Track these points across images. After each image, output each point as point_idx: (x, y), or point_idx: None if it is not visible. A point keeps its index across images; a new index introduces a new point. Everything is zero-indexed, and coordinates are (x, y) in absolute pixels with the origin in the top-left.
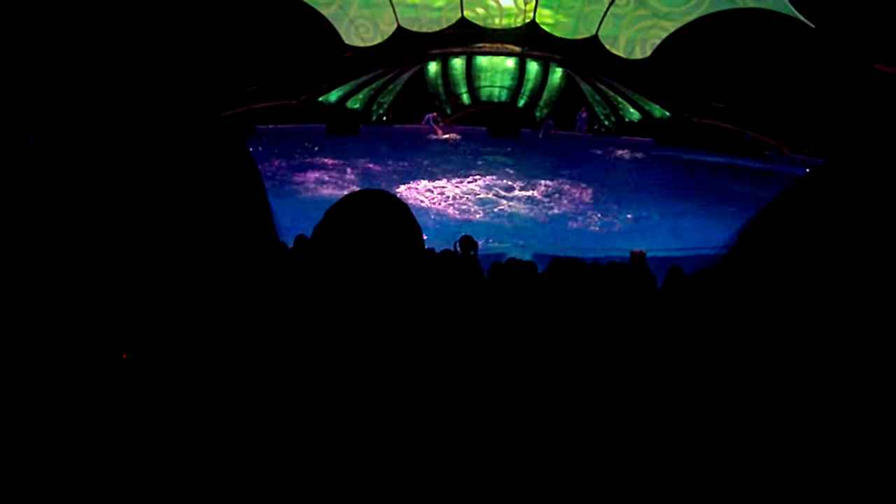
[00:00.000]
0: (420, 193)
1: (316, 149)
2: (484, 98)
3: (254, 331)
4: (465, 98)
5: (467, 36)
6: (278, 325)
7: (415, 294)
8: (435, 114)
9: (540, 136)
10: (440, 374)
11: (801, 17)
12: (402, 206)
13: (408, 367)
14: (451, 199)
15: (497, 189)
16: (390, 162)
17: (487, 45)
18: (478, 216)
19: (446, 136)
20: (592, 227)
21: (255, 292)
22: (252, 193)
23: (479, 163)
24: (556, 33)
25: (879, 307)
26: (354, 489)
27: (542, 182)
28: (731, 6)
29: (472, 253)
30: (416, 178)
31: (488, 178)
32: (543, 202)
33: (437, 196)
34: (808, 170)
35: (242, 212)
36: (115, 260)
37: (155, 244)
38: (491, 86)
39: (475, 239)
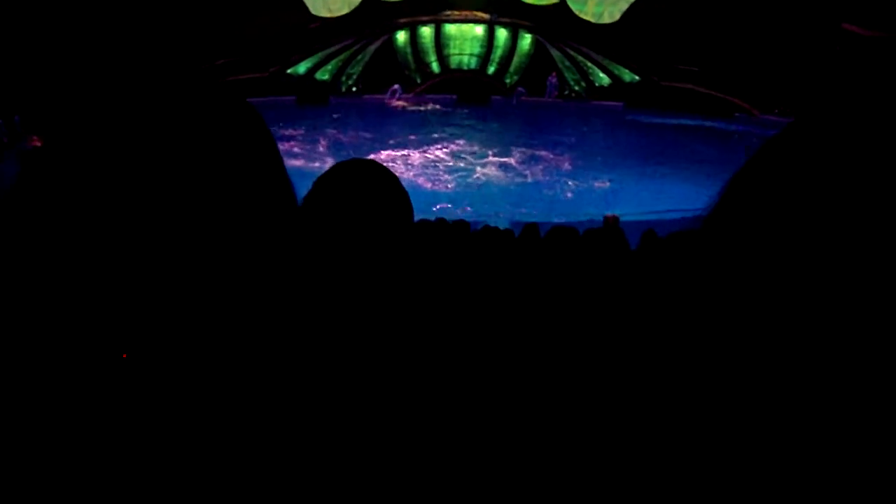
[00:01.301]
0: (394, 163)
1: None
2: (453, 66)
3: (262, 312)
4: (435, 66)
5: (435, 4)
6: (280, 301)
7: (408, 263)
8: (398, 86)
9: (514, 102)
10: (434, 347)
11: None
12: (391, 176)
13: (405, 339)
14: (425, 167)
15: (470, 157)
16: (362, 132)
17: (456, 12)
18: (451, 185)
19: (417, 107)
20: (567, 193)
21: (273, 265)
22: (271, 160)
23: (452, 131)
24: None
25: (867, 264)
26: (332, 466)
27: (516, 149)
28: None
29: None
30: (389, 147)
31: (462, 146)
32: (517, 169)
33: (411, 165)
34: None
35: (263, 181)
36: (121, 246)
37: (172, 221)
38: (460, 53)
39: (453, 206)
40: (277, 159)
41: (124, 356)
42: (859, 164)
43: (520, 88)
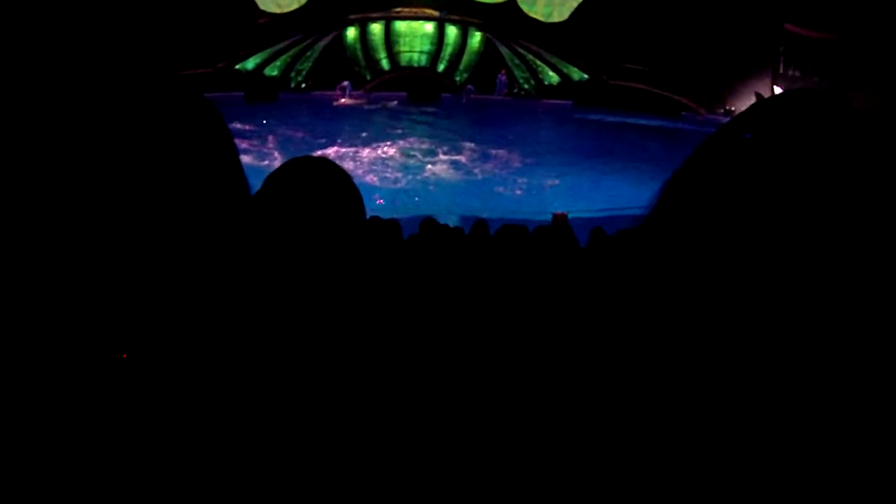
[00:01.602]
0: (343, 160)
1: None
2: (403, 63)
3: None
4: (385, 63)
5: (385, 0)
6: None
7: (359, 260)
8: (347, 82)
9: (463, 100)
10: (384, 343)
11: None
12: (342, 173)
13: (355, 335)
14: (375, 165)
15: (420, 155)
16: (311, 129)
17: (406, 9)
18: (402, 182)
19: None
20: (516, 191)
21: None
22: (227, 156)
23: (402, 128)
24: None
25: (804, 257)
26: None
27: (466, 147)
28: None
29: None
30: (338, 144)
31: (413, 143)
32: (467, 166)
33: (361, 162)
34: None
35: (217, 175)
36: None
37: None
38: (410, 51)
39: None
40: (234, 156)
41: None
42: (793, 162)
43: (469, 86)
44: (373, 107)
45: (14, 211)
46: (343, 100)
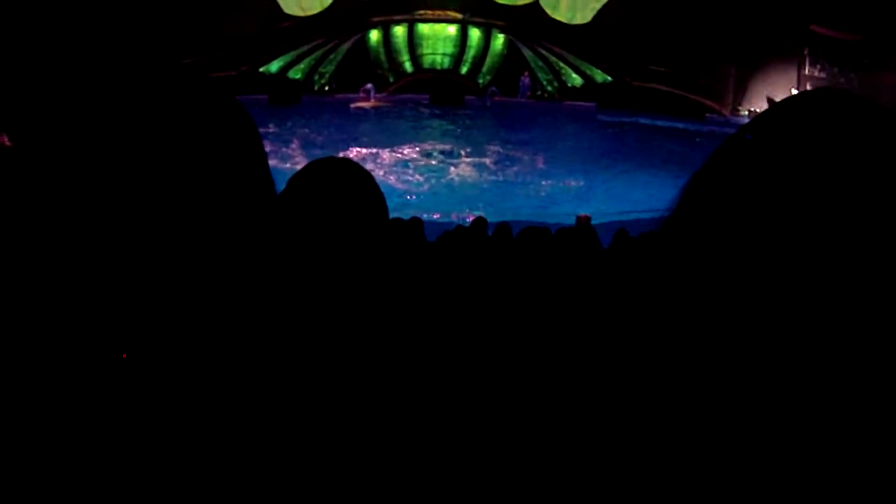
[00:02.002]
0: (367, 162)
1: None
2: (426, 65)
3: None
4: (408, 66)
5: (408, 3)
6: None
7: (382, 261)
8: (371, 85)
9: (487, 102)
10: (409, 344)
11: None
12: (365, 174)
13: (380, 336)
14: (398, 167)
15: (443, 157)
16: (334, 131)
17: (429, 12)
18: (426, 186)
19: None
20: (540, 193)
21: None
22: (255, 157)
23: (425, 131)
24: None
25: (823, 257)
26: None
27: (489, 149)
28: None
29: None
30: (362, 146)
31: (436, 146)
32: (490, 168)
33: (383, 163)
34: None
35: (246, 175)
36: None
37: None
38: (433, 53)
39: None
40: (262, 156)
41: (113, 353)
42: (814, 161)
43: (492, 88)
44: (395, 109)
45: (45, 204)
46: (361, 103)
